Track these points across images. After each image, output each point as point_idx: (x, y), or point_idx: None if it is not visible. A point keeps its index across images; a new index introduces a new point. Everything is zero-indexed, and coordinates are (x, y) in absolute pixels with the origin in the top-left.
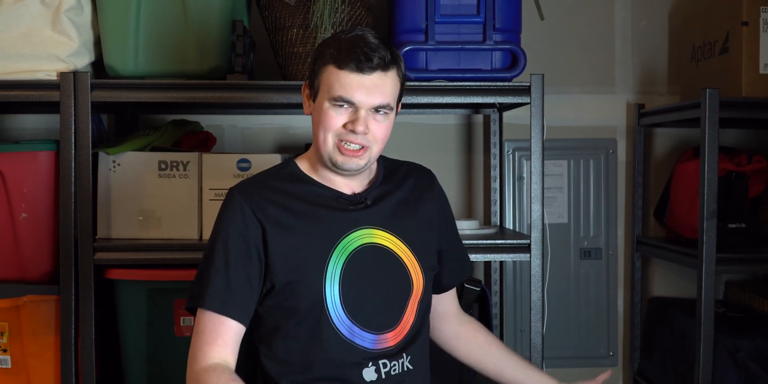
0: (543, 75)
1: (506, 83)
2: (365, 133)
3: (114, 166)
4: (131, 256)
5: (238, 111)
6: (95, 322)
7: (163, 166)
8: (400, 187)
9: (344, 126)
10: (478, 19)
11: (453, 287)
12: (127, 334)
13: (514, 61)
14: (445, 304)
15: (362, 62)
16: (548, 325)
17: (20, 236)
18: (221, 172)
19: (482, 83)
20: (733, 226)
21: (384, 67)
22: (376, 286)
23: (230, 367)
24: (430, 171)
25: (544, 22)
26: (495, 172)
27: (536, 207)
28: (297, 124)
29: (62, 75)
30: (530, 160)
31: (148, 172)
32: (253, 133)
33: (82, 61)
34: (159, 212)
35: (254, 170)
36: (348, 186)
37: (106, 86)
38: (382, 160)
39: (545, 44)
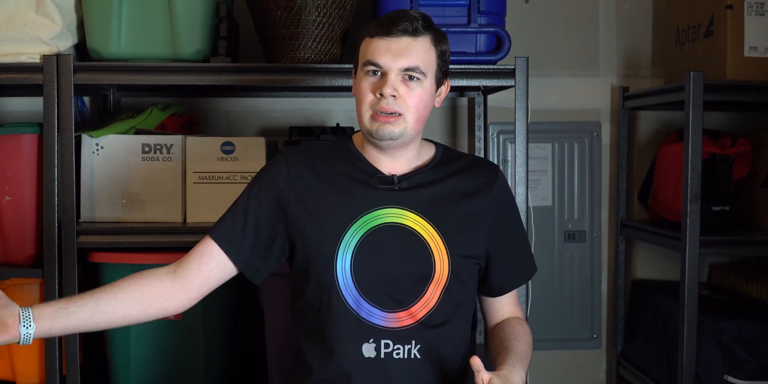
0: (527, 58)
1: (491, 66)
2: (393, 96)
3: (97, 149)
4: (115, 240)
5: (222, 94)
6: None
7: (146, 149)
8: (450, 178)
9: (375, 93)
10: (463, 2)
11: (506, 292)
12: None
13: (499, 44)
14: (496, 309)
15: (389, 26)
16: (532, 308)
17: (4, 219)
18: (205, 155)
19: (467, 66)
20: (717, 208)
21: (413, 32)
22: (391, 263)
23: (161, 271)
24: (496, 168)
25: (528, 5)
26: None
27: (521, 190)
28: (281, 107)
29: (45, 57)
30: (515, 143)
31: (132, 155)
32: (236, 116)
33: (66, 43)
34: (143, 195)
35: (238, 153)
36: (391, 166)
37: (89, 69)
38: (442, 149)
39: (530, 27)
